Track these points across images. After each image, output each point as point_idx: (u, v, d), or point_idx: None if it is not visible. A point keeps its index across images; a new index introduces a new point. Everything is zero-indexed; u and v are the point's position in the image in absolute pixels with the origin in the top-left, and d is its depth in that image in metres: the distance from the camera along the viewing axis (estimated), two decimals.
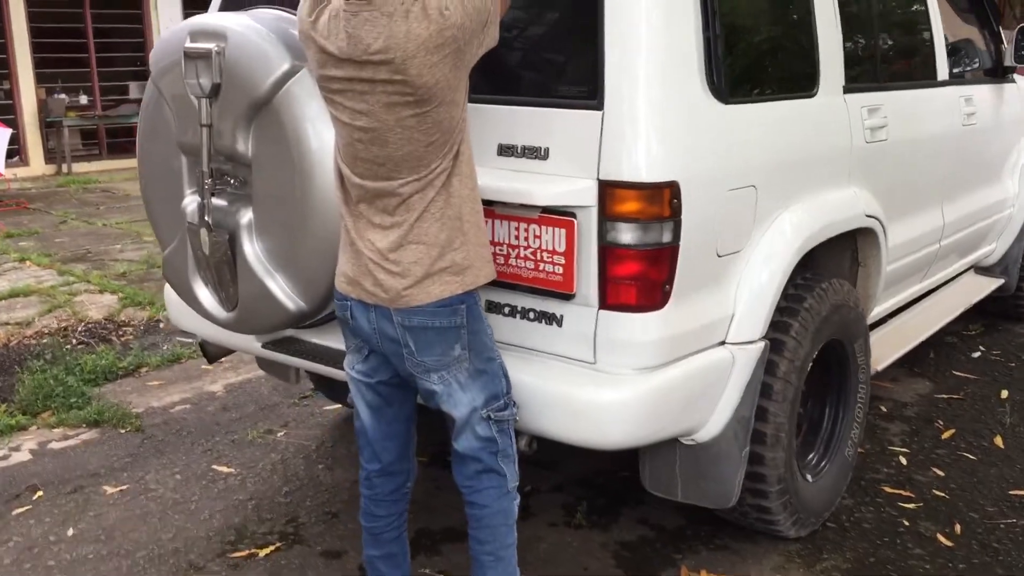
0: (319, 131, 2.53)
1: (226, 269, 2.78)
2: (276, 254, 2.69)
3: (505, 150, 2.57)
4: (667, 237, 2.44)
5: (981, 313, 5.20)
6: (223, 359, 3.81)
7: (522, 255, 2.56)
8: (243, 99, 2.58)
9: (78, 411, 4.23)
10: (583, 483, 3.51)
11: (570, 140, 2.46)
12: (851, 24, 3.25)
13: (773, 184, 2.78)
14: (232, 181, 2.76)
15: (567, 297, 2.51)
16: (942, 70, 3.96)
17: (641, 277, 2.45)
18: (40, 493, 3.54)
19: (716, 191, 2.56)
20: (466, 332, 2.33)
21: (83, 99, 12.97)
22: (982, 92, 4.38)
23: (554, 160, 2.49)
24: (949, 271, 4.48)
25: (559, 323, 2.57)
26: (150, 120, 2.90)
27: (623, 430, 2.49)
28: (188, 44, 2.66)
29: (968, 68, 4.33)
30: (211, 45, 2.60)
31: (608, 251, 2.45)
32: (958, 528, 3.21)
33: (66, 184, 11.59)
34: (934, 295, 4.49)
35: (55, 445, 3.96)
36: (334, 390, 4.03)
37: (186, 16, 12.86)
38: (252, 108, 2.58)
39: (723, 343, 2.71)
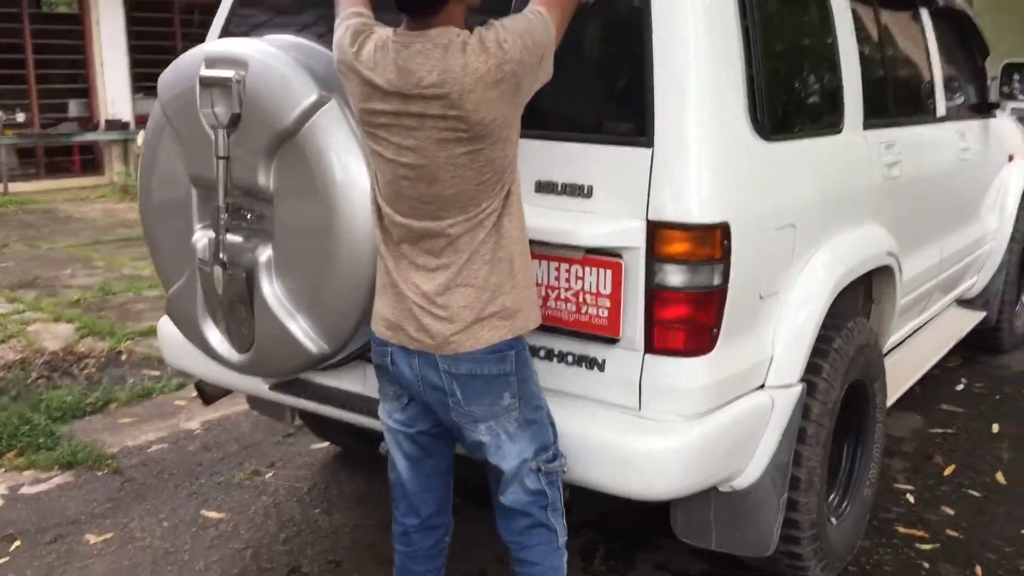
0: (347, 165, 2.40)
1: (241, 309, 2.62)
2: (297, 293, 2.54)
3: (544, 187, 2.46)
4: (717, 280, 2.35)
5: (959, 345, 5.22)
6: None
7: (563, 297, 2.45)
8: (266, 130, 2.44)
9: (48, 452, 4.00)
10: (595, 526, 3.39)
11: (617, 178, 2.36)
12: (865, 61, 3.22)
13: (809, 223, 2.73)
14: (248, 216, 2.60)
15: (611, 341, 2.41)
16: (940, 106, 3.97)
17: (690, 321, 2.37)
18: (18, 543, 3.31)
19: (761, 231, 2.49)
20: (515, 380, 2.22)
21: (20, 116, 12.53)
22: (972, 127, 4.41)
23: (599, 198, 2.39)
24: (941, 305, 4.49)
25: (601, 368, 2.46)
26: (156, 150, 2.74)
27: (672, 480, 2.39)
28: (204, 71, 2.51)
29: (959, 104, 4.36)
30: (230, 73, 2.45)
31: (656, 294, 2.35)
32: (979, 570, 3.17)
33: (3, 204, 11.15)
34: (925, 329, 4.48)
35: (28, 490, 3.72)
36: (323, 428, 3.87)
37: (131, 33, 12.74)
38: (276, 140, 2.44)
39: (762, 387, 2.63)
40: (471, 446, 2.27)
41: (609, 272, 2.37)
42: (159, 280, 2.97)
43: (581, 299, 2.43)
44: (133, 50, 12.85)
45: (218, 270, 2.60)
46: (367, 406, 2.77)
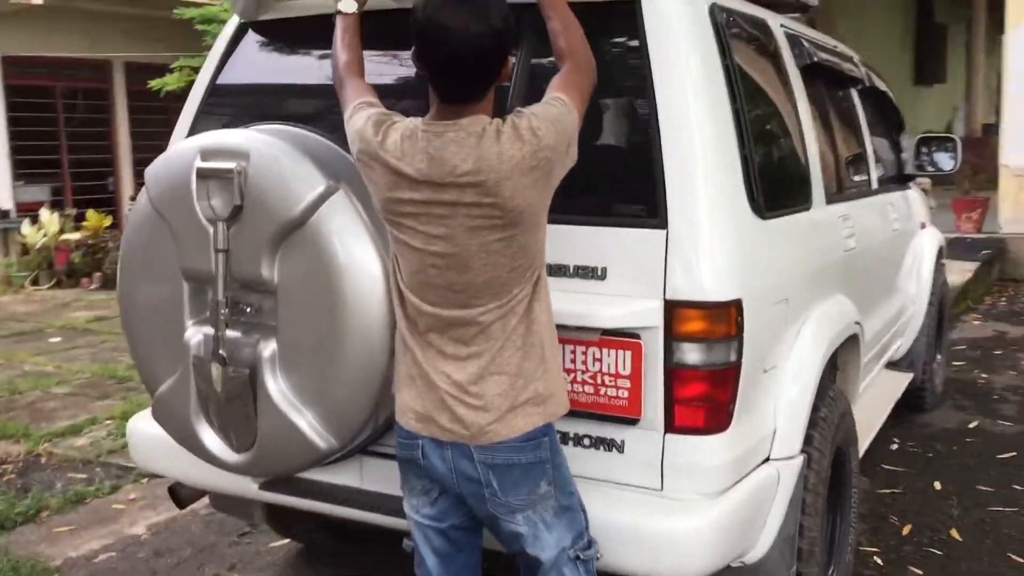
0: (356, 255, 2.37)
1: (242, 407, 2.52)
2: (304, 388, 2.46)
3: (556, 270, 2.47)
4: (733, 356, 2.40)
5: None
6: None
7: (579, 379, 2.45)
8: (271, 222, 2.39)
9: None
10: None
11: (631, 259, 2.39)
12: (821, 139, 3.38)
13: (798, 296, 2.81)
14: (247, 309, 2.52)
15: (632, 422, 2.42)
16: (874, 180, 4.18)
17: (708, 398, 2.39)
18: None
19: (764, 306, 2.55)
20: (551, 466, 2.19)
21: None
22: (895, 198, 4.65)
23: (613, 280, 2.41)
24: (879, 368, 4.66)
25: (620, 449, 2.46)
26: (141, 244, 2.64)
27: (702, 559, 2.38)
28: (201, 163, 2.45)
29: (884, 176, 4.59)
30: (231, 164, 2.40)
31: (675, 372, 2.37)
32: None
33: None
34: (866, 393, 4.63)
35: None
36: (286, 525, 3.72)
37: (10, 120, 12.29)
38: (282, 231, 2.39)
39: (767, 460, 2.67)
40: (507, 537, 2.22)
41: (628, 353, 2.38)
42: (142, 380, 2.82)
43: (599, 381, 2.43)
44: (13, 136, 12.41)
45: (216, 367, 2.50)
46: (366, 501, 2.71)
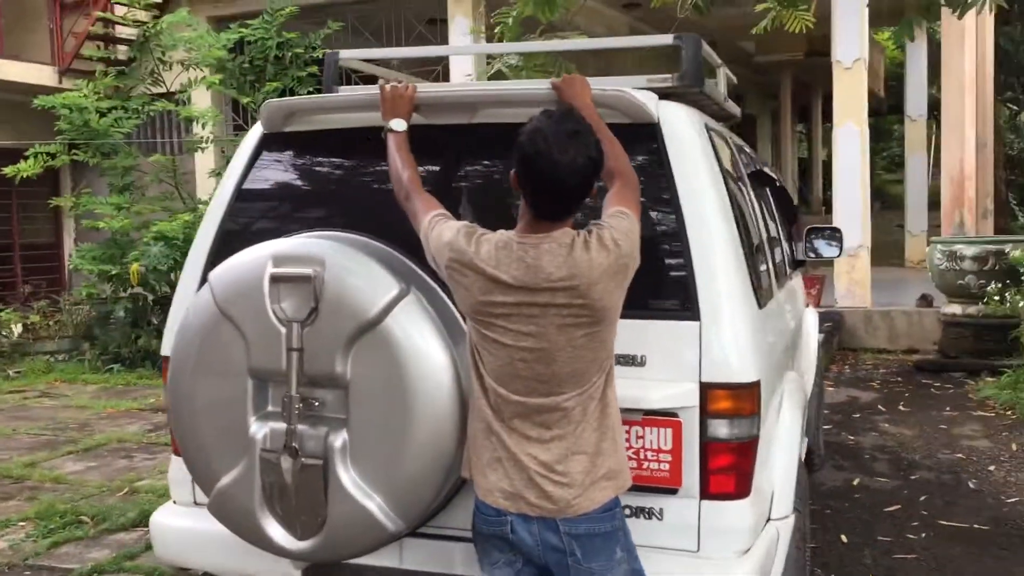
0: (426, 353, 2.61)
1: (310, 495, 2.68)
2: (373, 475, 2.65)
3: None
4: (755, 430, 2.77)
5: None
6: None
7: None
8: (347, 323, 2.60)
9: None
10: None
11: (669, 347, 2.73)
12: (767, 231, 3.87)
13: (778, 374, 3.23)
14: (315, 404, 2.70)
15: (672, 491, 2.73)
16: (787, 265, 4.72)
17: (736, 467, 2.75)
18: None
19: (768, 384, 2.94)
20: (622, 534, 2.48)
21: None
22: (796, 281, 5.23)
23: (653, 366, 2.74)
24: None
25: (659, 517, 2.77)
26: (206, 345, 2.77)
27: None
28: (274, 269, 2.64)
29: (790, 262, 5.16)
30: (308, 270, 2.61)
31: (709, 446, 2.72)
32: None
33: None
34: None
35: None
36: None
37: None
38: (357, 331, 2.60)
39: (768, 520, 3.03)
40: None
41: (670, 430, 2.71)
42: (194, 475, 2.91)
43: (642, 456, 2.74)
44: None
45: (287, 459, 2.66)
46: None
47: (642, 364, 2.76)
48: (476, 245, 2.41)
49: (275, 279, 2.64)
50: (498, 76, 4.94)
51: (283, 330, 2.64)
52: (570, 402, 2.41)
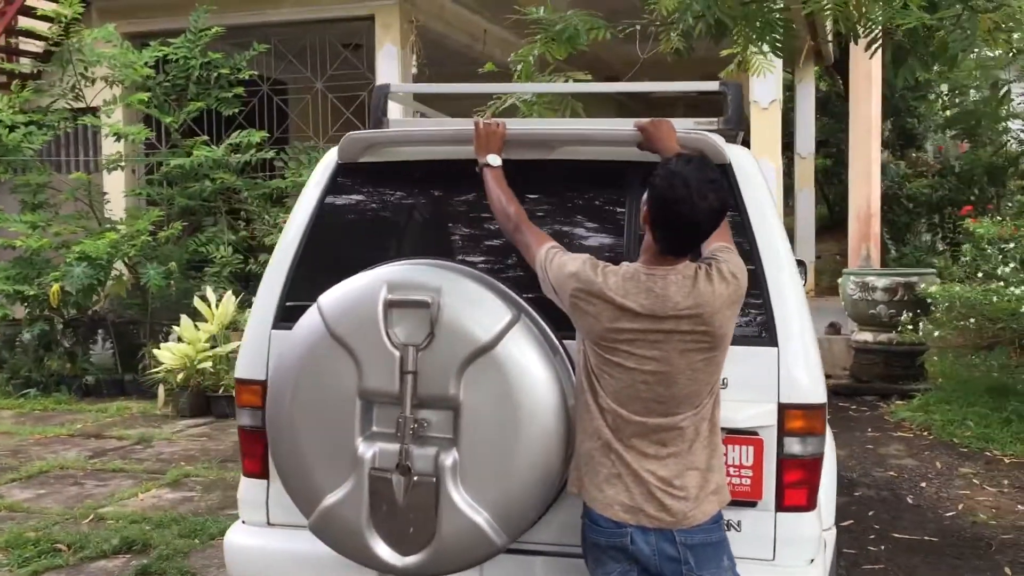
0: (536, 376, 2.77)
1: (419, 512, 2.79)
2: (482, 492, 2.78)
3: None
4: (822, 447, 3.02)
5: None
6: None
7: None
8: (463, 347, 2.73)
9: None
10: None
11: (749, 372, 2.96)
12: None
13: None
14: (426, 424, 2.82)
15: (751, 504, 2.96)
16: None
17: (807, 482, 2.99)
18: None
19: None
20: (727, 544, 2.69)
21: None
22: None
23: (734, 388, 2.96)
24: None
25: (738, 528, 2.98)
26: (314, 368, 2.85)
27: None
28: (391, 296, 2.76)
29: None
30: (427, 297, 2.74)
31: (784, 462, 2.96)
32: None
33: None
34: None
35: None
36: None
37: None
38: (472, 355, 2.74)
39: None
40: None
41: (751, 448, 2.94)
42: (293, 497, 2.96)
43: (728, 472, 2.95)
44: None
45: (399, 478, 2.77)
46: None
47: (724, 387, 2.97)
48: (603, 276, 2.59)
49: (390, 304, 2.75)
50: (511, 110, 5.12)
51: (397, 354, 2.76)
52: (685, 422, 2.61)
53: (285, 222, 10.35)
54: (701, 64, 10.68)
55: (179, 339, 9.25)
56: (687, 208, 2.51)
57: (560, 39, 4.48)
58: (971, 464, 7.32)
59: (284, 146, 11.78)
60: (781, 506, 2.97)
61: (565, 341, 2.89)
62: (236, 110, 11.36)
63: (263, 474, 3.25)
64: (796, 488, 2.98)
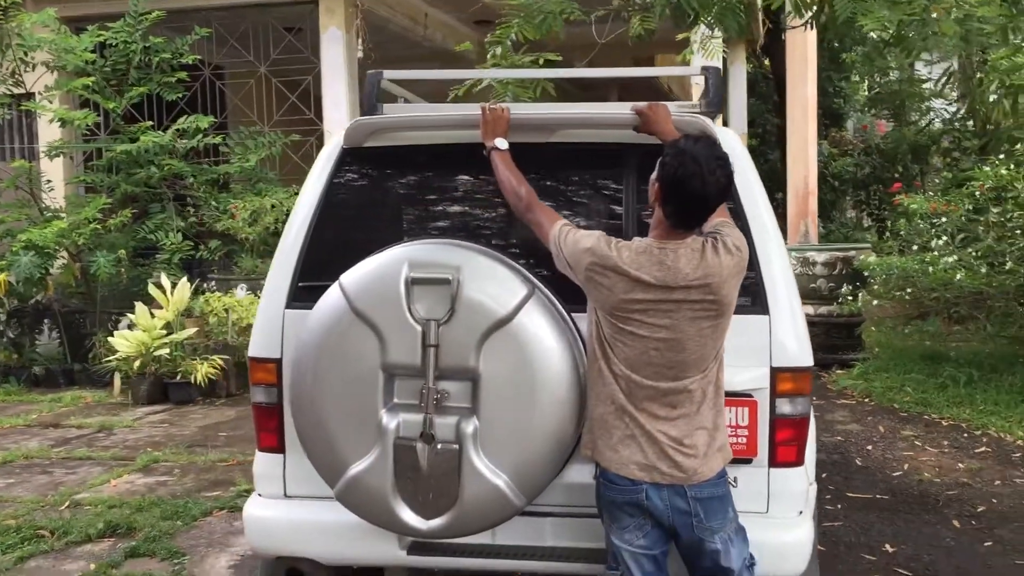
0: (550, 347, 2.96)
1: (442, 478, 2.95)
2: (501, 457, 2.96)
3: None
4: (809, 408, 3.26)
5: None
6: None
7: None
8: (482, 321, 2.90)
9: None
10: None
11: (744, 339, 3.17)
12: None
13: None
14: (447, 395, 2.98)
15: (747, 461, 3.18)
16: None
17: (796, 440, 3.23)
18: None
19: None
20: (731, 497, 2.91)
21: None
22: None
23: (730, 354, 3.14)
24: None
25: (734, 484, 3.20)
26: (337, 344, 2.98)
27: (801, 561, 3.19)
28: (413, 274, 2.91)
29: None
30: (448, 275, 2.90)
31: (777, 422, 3.19)
32: None
33: None
34: None
35: None
36: None
37: None
38: (491, 328, 2.91)
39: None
40: (709, 554, 2.87)
41: (747, 409, 3.17)
42: (318, 469, 3.09)
43: None
44: None
45: (422, 446, 2.93)
46: (499, 552, 3.24)
47: None
48: (617, 251, 2.78)
49: (412, 282, 2.90)
50: (487, 91, 5.26)
51: (419, 328, 2.91)
52: (694, 385, 2.82)
53: (235, 208, 10.32)
54: (632, 49, 11.03)
55: (131, 326, 9.22)
56: (698, 183, 2.70)
57: (533, 22, 4.64)
58: (912, 427, 7.73)
59: (226, 132, 11.72)
60: (774, 462, 3.21)
61: (573, 315, 3.07)
62: (180, 95, 11.28)
63: (279, 448, 3.37)
64: (787, 446, 3.21)
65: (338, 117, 11.70)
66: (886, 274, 8.81)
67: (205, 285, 10.35)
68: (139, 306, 9.09)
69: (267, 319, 3.37)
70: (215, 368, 8.99)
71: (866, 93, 19.53)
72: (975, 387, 8.45)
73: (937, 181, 12.83)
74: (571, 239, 2.87)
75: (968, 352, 9.61)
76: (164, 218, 10.87)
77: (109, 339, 9.22)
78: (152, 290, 9.28)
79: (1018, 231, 8.27)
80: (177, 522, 5.47)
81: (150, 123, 11.06)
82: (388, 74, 3.81)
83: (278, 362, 3.33)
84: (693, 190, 2.72)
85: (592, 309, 2.92)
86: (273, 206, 10.43)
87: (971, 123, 14.47)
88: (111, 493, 6.11)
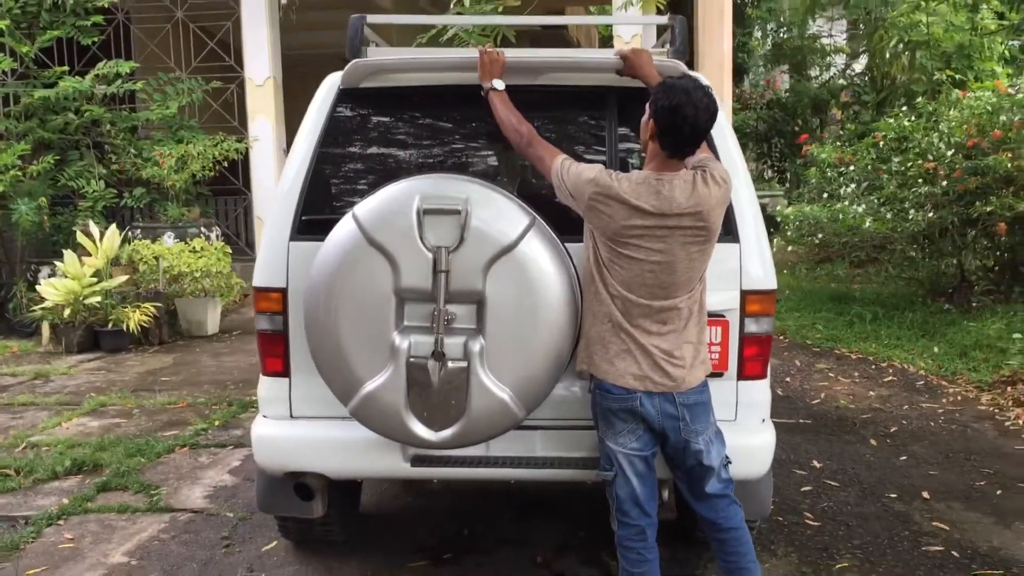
0: (550, 272, 3.22)
1: (451, 393, 3.21)
2: (504, 373, 3.23)
3: None
4: (772, 327, 3.63)
5: None
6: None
7: None
8: (489, 248, 3.16)
9: None
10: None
11: (717, 265, 3.48)
12: None
13: None
14: (455, 317, 3.22)
15: (719, 375, 3.53)
16: None
17: (761, 355, 3.59)
18: None
19: None
20: (711, 404, 3.26)
21: None
22: None
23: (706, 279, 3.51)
24: None
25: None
26: (351, 271, 3.19)
27: (766, 463, 3.57)
28: (426, 205, 3.14)
29: None
30: (459, 205, 3.14)
31: (745, 339, 3.54)
32: None
33: None
34: None
35: None
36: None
37: None
38: (498, 254, 3.16)
39: None
40: (693, 454, 3.20)
41: (720, 328, 3.51)
42: (332, 388, 3.30)
43: None
44: None
45: (433, 363, 3.19)
46: (493, 462, 3.53)
47: None
48: (618, 181, 3.06)
49: (424, 212, 3.13)
50: (455, 39, 5.42)
51: (431, 256, 3.15)
52: (682, 303, 3.14)
53: (161, 155, 10.21)
54: (545, 1, 11.28)
55: (52, 275, 9.13)
56: (690, 111, 3.00)
57: None
58: (824, 361, 8.30)
59: (142, 78, 11.54)
60: (742, 376, 3.56)
61: (567, 244, 3.33)
62: (95, 39, 11.06)
63: (284, 373, 3.57)
64: (753, 361, 3.57)
65: (260, 64, 11.66)
66: (799, 221, 9.33)
67: (131, 233, 10.28)
68: (68, 254, 9.00)
69: (272, 251, 3.54)
70: (147, 316, 9.00)
71: (764, 49, 20.16)
72: (880, 324, 9.09)
73: (841, 133, 13.47)
74: (573, 171, 3.14)
75: (872, 292, 10.28)
76: (84, 165, 10.71)
77: (37, 287, 9.12)
78: (81, 238, 9.19)
79: (918, 179, 8.87)
80: (141, 459, 5.60)
81: (66, 68, 10.83)
82: (371, 19, 3.98)
83: (283, 291, 3.52)
84: (686, 116, 3.01)
85: (589, 237, 3.20)
86: (199, 153, 10.37)
87: (869, 78, 15.18)
88: (64, 435, 6.18)
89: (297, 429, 3.57)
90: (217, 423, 6.42)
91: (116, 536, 4.51)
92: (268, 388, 3.62)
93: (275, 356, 3.58)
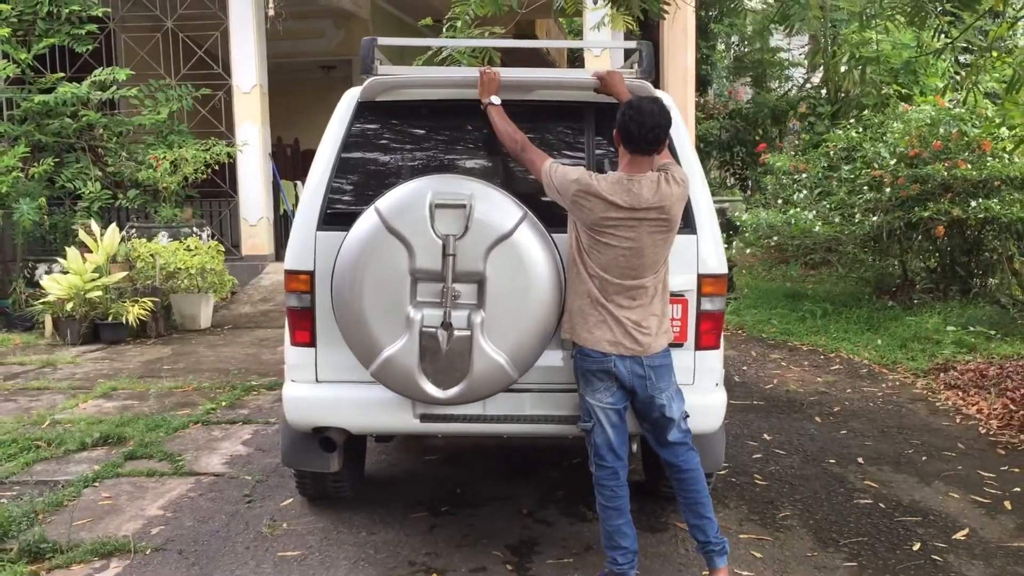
0: (539, 257, 3.86)
1: (457, 357, 3.85)
2: (501, 340, 3.87)
3: None
4: (724, 306, 4.30)
5: None
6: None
7: None
8: (491, 235, 3.80)
9: None
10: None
11: (678, 253, 4.15)
12: None
13: None
14: (460, 294, 3.86)
15: (679, 346, 4.20)
16: None
17: (715, 329, 4.27)
18: None
19: None
20: (673, 367, 3.92)
21: None
22: None
23: (669, 264, 4.16)
24: None
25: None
26: (374, 255, 3.81)
27: (719, 419, 4.25)
28: (438, 200, 3.78)
29: None
30: (464, 200, 3.78)
31: (701, 315, 4.22)
32: None
33: None
34: None
35: None
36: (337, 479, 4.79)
37: None
38: (495, 242, 3.81)
39: None
40: (658, 407, 3.85)
41: (680, 305, 4.18)
42: (357, 355, 3.93)
43: None
44: None
45: (443, 332, 3.82)
46: (490, 418, 4.17)
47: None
48: (597, 181, 3.72)
49: (436, 205, 3.77)
50: (447, 59, 6.06)
51: (440, 242, 3.78)
52: (648, 282, 3.80)
53: (155, 158, 10.76)
54: (513, 17, 11.97)
55: (50, 272, 9.65)
56: (647, 118, 3.68)
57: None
58: (778, 352, 9.02)
59: (135, 84, 12.07)
60: (698, 346, 4.23)
61: (553, 234, 3.98)
62: (90, 47, 11.58)
63: (311, 343, 4.20)
64: (708, 334, 4.24)
65: (247, 72, 12.22)
66: (756, 225, 10.06)
67: (127, 233, 10.81)
68: (71, 250, 9.52)
69: (301, 239, 4.17)
70: (145, 310, 9.53)
71: (727, 62, 21.00)
72: (829, 319, 9.85)
73: (797, 143, 14.26)
74: (560, 172, 3.80)
75: (822, 291, 11.05)
76: (80, 168, 11.22)
77: (41, 282, 9.62)
78: (83, 235, 9.72)
79: (865, 186, 9.64)
80: (161, 433, 6.17)
81: (62, 74, 11.35)
82: (382, 41, 4.61)
83: (311, 274, 4.15)
84: (642, 123, 3.67)
85: (572, 227, 3.85)
86: (192, 157, 10.92)
87: (824, 91, 16.01)
88: (84, 415, 6.73)
89: (322, 391, 4.19)
90: (224, 404, 7.01)
91: (149, 495, 5.09)
92: (297, 356, 4.24)
93: (303, 329, 4.20)
